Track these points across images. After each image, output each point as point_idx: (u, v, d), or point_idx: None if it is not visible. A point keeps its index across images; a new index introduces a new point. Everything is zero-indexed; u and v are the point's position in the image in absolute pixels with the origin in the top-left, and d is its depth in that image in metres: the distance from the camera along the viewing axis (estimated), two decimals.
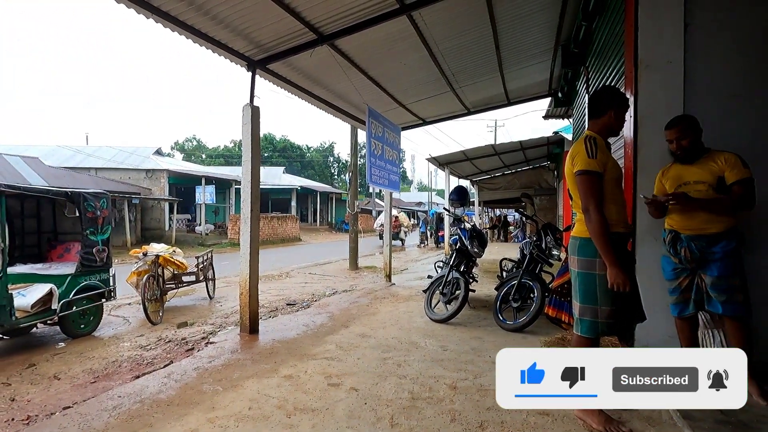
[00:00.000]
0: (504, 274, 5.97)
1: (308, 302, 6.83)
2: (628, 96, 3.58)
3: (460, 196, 6.04)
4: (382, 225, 18.92)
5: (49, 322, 4.97)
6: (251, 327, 4.80)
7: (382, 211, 26.39)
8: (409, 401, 2.94)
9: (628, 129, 3.64)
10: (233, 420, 2.72)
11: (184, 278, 6.99)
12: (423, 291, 5.81)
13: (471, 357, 3.84)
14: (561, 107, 9.25)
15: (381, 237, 18.10)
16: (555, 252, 4.96)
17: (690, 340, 3.05)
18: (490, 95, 8.34)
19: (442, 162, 13.60)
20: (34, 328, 5.26)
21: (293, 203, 30.95)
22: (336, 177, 58.59)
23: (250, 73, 4.99)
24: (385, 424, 2.62)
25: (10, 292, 4.37)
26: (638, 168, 3.52)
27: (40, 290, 4.78)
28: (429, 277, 6.25)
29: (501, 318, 4.77)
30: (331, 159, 60.76)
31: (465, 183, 18.61)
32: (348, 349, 4.17)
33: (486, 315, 5.35)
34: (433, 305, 5.34)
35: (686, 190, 2.81)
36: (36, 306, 4.66)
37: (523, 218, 6.93)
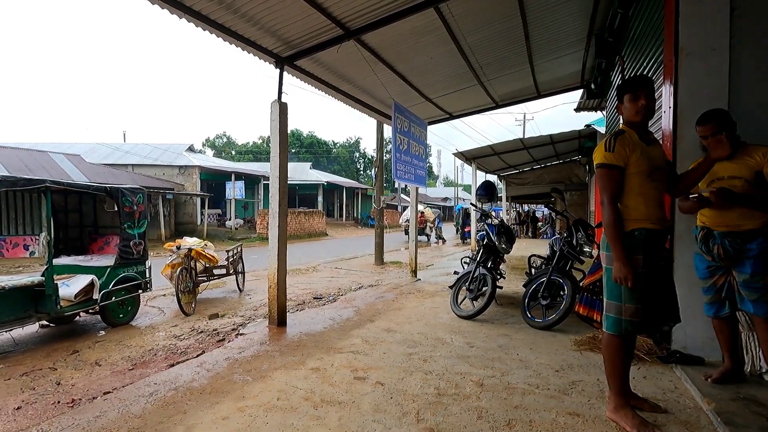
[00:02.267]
0: (533, 270, 5.83)
1: (334, 296, 6.90)
2: (668, 86, 3.42)
3: (487, 192, 5.93)
4: (407, 220, 18.89)
5: (90, 311, 5.23)
6: (279, 320, 4.89)
7: (407, 207, 26.35)
8: (435, 397, 2.93)
9: (666, 121, 3.48)
10: (262, 410, 2.78)
11: (215, 271, 7.19)
12: (449, 287, 5.77)
13: (498, 354, 3.79)
14: (594, 99, 8.94)
15: (406, 232, 18.09)
16: (586, 249, 4.81)
17: (729, 342, 2.91)
18: (519, 88, 8.14)
19: (469, 157, 13.41)
20: (77, 317, 5.55)
21: (320, 198, 31.32)
22: (362, 172, 58.82)
23: (278, 70, 5.06)
24: (410, 419, 2.62)
25: (55, 282, 4.62)
26: (678, 161, 3.36)
27: (82, 281, 5.03)
28: (455, 273, 6.19)
29: (529, 315, 4.67)
30: (357, 155, 61.02)
31: (492, 178, 18.29)
32: (374, 343, 4.19)
33: (514, 312, 5.26)
34: (459, 301, 5.29)
35: (719, 186, 2.67)
36: (79, 296, 4.91)
37: (553, 214, 6.74)
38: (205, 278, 6.95)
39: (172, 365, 3.78)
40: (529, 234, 22.42)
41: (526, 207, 29.82)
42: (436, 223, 20.46)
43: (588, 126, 11.77)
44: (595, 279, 4.27)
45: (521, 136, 21.27)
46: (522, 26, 5.47)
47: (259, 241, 19.28)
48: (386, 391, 3.04)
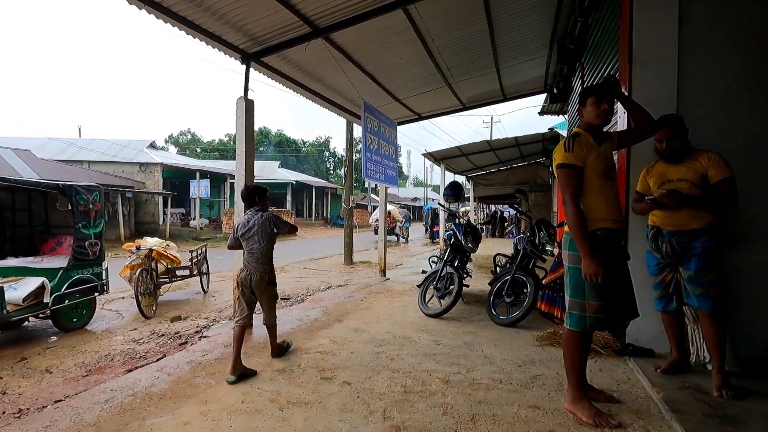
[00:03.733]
0: (498, 269, 5.99)
1: (302, 297, 6.83)
2: (623, 91, 3.59)
3: (454, 192, 6.03)
4: (377, 220, 18.93)
5: (41, 315, 4.94)
6: None
7: (377, 206, 26.42)
8: (401, 395, 2.96)
9: (621, 125, 3.66)
10: (226, 413, 2.72)
11: (178, 272, 6.96)
12: (417, 286, 5.83)
13: (464, 351, 3.86)
14: (556, 103, 9.27)
15: (376, 232, 18.13)
16: (548, 248, 4.98)
17: (676, 334, 3.10)
18: (486, 91, 8.33)
19: (438, 158, 13.59)
20: (26, 322, 5.23)
21: (289, 198, 30.87)
22: (331, 172, 58.41)
23: (244, 66, 4.96)
24: (377, 417, 2.63)
25: (1, 285, 4.34)
26: (631, 164, 3.54)
27: (32, 284, 4.74)
28: (423, 272, 6.26)
29: (494, 313, 4.79)
30: (327, 154, 60.53)
31: (461, 179, 18.61)
32: (341, 343, 4.18)
33: (479, 310, 5.38)
34: (427, 300, 5.36)
35: (669, 188, 2.85)
36: (28, 299, 4.62)
37: (518, 214, 6.93)
38: (167, 279, 6.71)
39: (131, 370, 3.63)
40: (496, 234, 22.98)
41: (493, 207, 30.53)
42: (404, 223, 20.61)
43: (551, 129, 12.19)
44: (556, 277, 4.43)
45: (488, 138, 21.74)
46: (488, 30, 5.60)
47: (224, 241, 18.76)
48: (353, 391, 3.04)
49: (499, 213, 27.35)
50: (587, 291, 2.49)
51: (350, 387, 3.10)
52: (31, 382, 3.57)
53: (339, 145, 60.49)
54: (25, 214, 5.96)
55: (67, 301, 5.00)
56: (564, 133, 10.84)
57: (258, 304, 3.68)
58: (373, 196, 35.85)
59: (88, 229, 5.36)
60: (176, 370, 3.51)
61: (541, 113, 10.67)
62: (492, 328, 4.59)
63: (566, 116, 9.86)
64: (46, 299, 4.78)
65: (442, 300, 5.26)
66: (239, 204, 4.79)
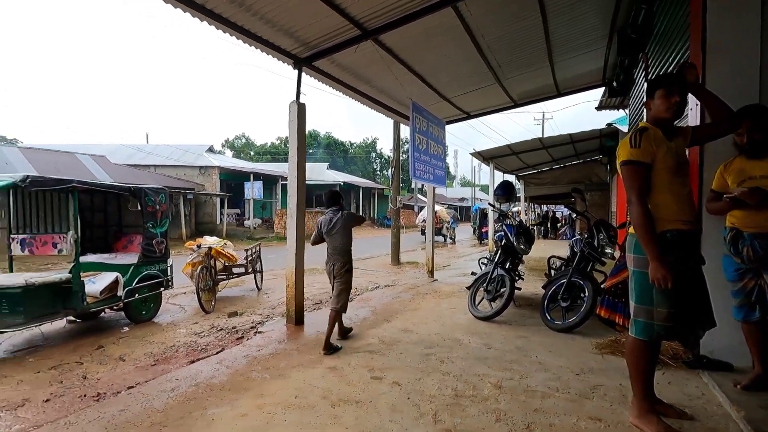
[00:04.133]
0: (552, 272, 5.74)
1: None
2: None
3: (505, 192, 5.86)
4: (424, 221, 18.83)
5: (115, 307, 5.38)
6: (297, 318, 4.94)
7: (424, 207, 26.27)
8: (452, 398, 2.91)
9: (694, 119, 3.38)
10: (280, 407, 2.81)
11: (235, 270, 7.30)
12: (466, 288, 5.72)
13: (516, 356, 3.74)
14: (615, 97, 8.73)
15: (423, 232, 18.04)
16: (608, 250, 4.71)
17: (759, 347, 2.80)
18: (539, 86, 8.02)
19: (487, 157, 13.28)
20: (103, 313, 5.71)
21: None
22: (378, 172, 58.87)
23: (296, 71, 5.11)
24: (428, 420, 2.61)
25: (82, 279, 4.77)
26: (705, 160, 3.26)
27: (107, 278, 5.18)
28: (473, 273, 6.14)
29: (549, 317, 4.60)
30: (374, 155, 61.09)
31: (510, 178, 18.07)
32: (390, 343, 4.19)
33: (532, 314, 5.18)
34: (477, 302, 5.25)
35: (750, 186, 2.58)
36: (104, 292, 5.06)
37: (573, 214, 6.60)
38: (224, 276, 7.07)
39: (193, 362, 3.85)
40: (549, 235, 22.08)
41: (544, 207, 29.38)
42: (451, 223, 20.32)
43: (609, 125, 11.52)
44: (618, 281, 4.17)
45: (540, 136, 20.93)
46: (542, 24, 5.39)
47: (276, 241, 19.50)
48: (403, 392, 3.03)
49: (551, 213, 26.25)
50: (655, 297, 2.32)
51: (400, 388, 3.09)
52: (107, 368, 3.88)
53: (386, 146, 60.86)
54: (101, 214, 6.52)
55: (137, 295, 5.40)
56: (624, 128, 10.21)
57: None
58: (419, 196, 35.74)
59: (155, 229, 5.77)
60: (234, 364, 3.68)
61: (599, 108, 10.12)
62: (546, 334, 4.41)
63: (627, 110, 9.27)
64: (120, 292, 5.20)
65: (492, 303, 5.12)
66: (291, 204, 4.95)
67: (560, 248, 11.03)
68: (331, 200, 4.34)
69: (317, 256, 13.33)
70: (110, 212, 6.58)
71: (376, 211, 37.06)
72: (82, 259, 5.00)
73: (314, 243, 4.39)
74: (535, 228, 20.49)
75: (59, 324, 5.28)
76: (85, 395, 3.24)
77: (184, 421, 2.64)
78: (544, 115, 31.60)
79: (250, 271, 7.57)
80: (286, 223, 5.10)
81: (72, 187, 4.75)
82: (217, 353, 4.06)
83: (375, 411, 2.74)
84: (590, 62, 7.35)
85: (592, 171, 15.95)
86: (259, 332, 4.77)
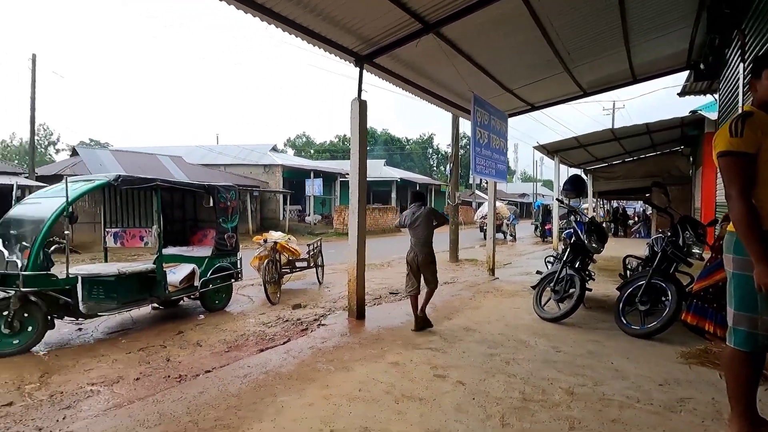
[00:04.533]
0: (628, 272, 5.32)
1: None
2: None
3: (575, 187, 5.51)
4: (482, 217, 18.34)
5: (192, 296, 5.80)
6: (358, 312, 5.02)
7: (482, 203, 25.58)
8: (520, 402, 2.80)
9: None
10: (345, 399, 2.86)
11: (298, 264, 7.59)
12: (531, 287, 5.49)
13: (589, 361, 3.51)
14: (702, 81, 7.92)
15: (481, 229, 17.57)
16: (695, 250, 4.27)
17: None
18: (611, 73, 7.45)
19: (552, 150, 12.65)
20: (181, 301, 6.18)
21: (393, 195, 31.64)
22: (435, 168, 58.38)
23: (357, 69, 5.16)
24: (495, 423, 2.52)
25: (164, 270, 5.19)
26: None
27: (185, 269, 5.60)
28: (538, 272, 5.87)
29: (625, 321, 4.27)
30: (431, 151, 60.66)
31: (577, 172, 17.06)
32: (452, 341, 4.12)
33: (605, 317, 4.85)
34: (543, 303, 5.01)
35: None
36: (183, 282, 5.48)
37: (647, 211, 6.05)
38: (288, 270, 7.36)
39: (262, 350, 4.05)
40: (619, 232, 20.58)
41: (614, 203, 27.43)
42: (511, 220, 19.61)
43: (694, 112, 10.47)
44: (708, 284, 3.77)
45: (610, 127, 19.44)
46: (617, 5, 4.99)
47: (335, 236, 20.00)
48: (468, 392, 2.96)
49: (621, 209, 24.43)
50: (760, 303, 2.05)
51: (464, 387, 3.03)
52: (186, 352, 4.19)
53: (443, 142, 60.18)
54: (180, 210, 7.06)
55: (211, 286, 5.79)
56: (712, 116, 9.22)
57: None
58: (478, 192, 34.91)
59: (226, 224, 6.14)
60: (300, 354, 3.81)
61: (682, 94, 9.21)
62: (622, 338, 4.10)
63: (716, 95, 8.35)
64: (196, 283, 5.60)
65: (560, 304, 4.86)
66: (353, 201, 5.03)
67: (633, 247, 10.23)
68: (415, 197, 4.94)
69: (376, 251, 13.48)
70: (187, 208, 7.11)
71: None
72: (164, 251, 5.45)
73: (397, 227, 5.31)
74: (606, 225, 19.19)
75: (145, 310, 5.79)
76: (168, 376, 3.52)
77: (257, 407, 2.77)
78: (614, 104, 29.48)
79: (312, 265, 7.83)
80: (344, 219, 5.19)
81: (156, 185, 5.18)
82: (284, 343, 4.23)
83: (439, 409, 2.70)
84: (673, 44, 6.70)
85: (672, 163, 14.63)
86: (323, 325, 4.91)
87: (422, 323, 4.53)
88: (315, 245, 8.07)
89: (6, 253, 4.16)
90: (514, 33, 5.39)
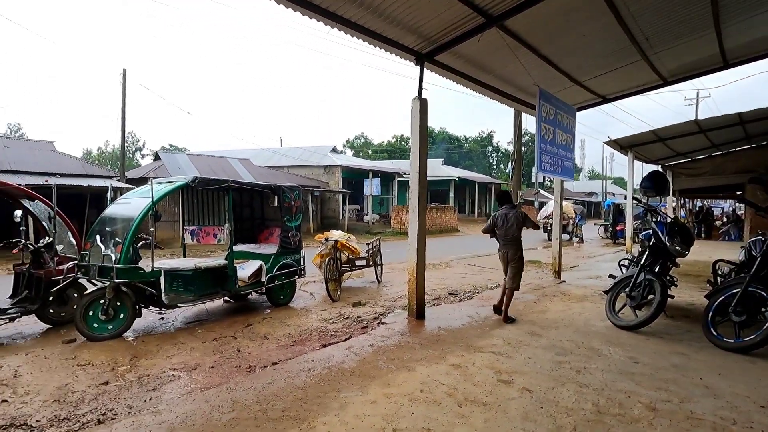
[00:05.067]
0: (719, 279, 4.79)
1: (470, 293, 6.76)
2: None
3: (655, 184, 5.05)
4: (546, 217, 17.48)
5: (259, 291, 6.11)
6: (418, 312, 4.99)
7: (546, 202, 24.40)
8: (594, 414, 2.61)
9: None
10: (407, 399, 2.85)
11: (357, 262, 7.71)
12: (604, 292, 5.12)
13: (673, 375, 3.20)
14: None
15: (545, 230, 16.76)
16: None
17: None
18: (698, 58, 6.73)
19: (625, 145, 11.72)
20: (250, 296, 6.53)
21: (451, 194, 31.20)
22: (494, 167, 56.75)
23: (418, 67, 5.13)
24: None
25: (235, 265, 5.51)
26: None
27: (253, 265, 5.91)
28: (611, 276, 5.47)
29: (715, 333, 3.85)
30: (490, 149, 59.03)
31: (653, 168, 15.70)
32: (516, 345, 3.96)
33: (690, 327, 4.42)
34: (617, 309, 4.66)
35: None
36: (251, 278, 5.78)
37: (736, 211, 5.37)
38: (348, 268, 7.51)
39: (325, 346, 4.16)
40: (702, 234, 18.63)
41: (698, 202, 24.90)
42: (577, 220, 18.48)
43: None
44: None
45: (693, 118, 17.62)
46: None
47: (393, 236, 20.11)
48: (535, 399, 2.82)
49: (706, 209, 22.09)
50: None
51: (531, 395, 2.89)
52: (255, 344, 4.42)
53: (503, 139, 58.36)
54: (248, 209, 7.46)
55: (276, 282, 6.06)
56: None
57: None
58: (541, 191, 33.43)
59: (290, 222, 6.39)
60: (361, 351, 3.86)
61: None
62: (712, 352, 3.70)
63: None
64: (263, 278, 5.88)
65: (637, 311, 4.49)
66: (413, 200, 5.00)
67: (722, 250, 9.23)
68: (504, 199, 5.17)
69: (434, 251, 13.32)
70: (255, 207, 7.50)
71: (492, 207, 35.75)
72: (234, 248, 5.78)
73: (485, 231, 5.30)
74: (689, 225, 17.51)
75: (218, 302, 6.19)
76: (239, 366, 3.73)
77: (321, 401, 2.84)
78: (698, 93, 26.76)
79: (371, 263, 7.92)
80: (402, 219, 5.18)
81: (228, 186, 5.52)
82: (345, 340, 4.31)
83: (505, 416, 2.60)
84: None
85: None
86: (383, 323, 4.94)
87: (505, 320, 4.90)
88: (374, 244, 8.15)
89: (102, 247, 4.64)
90: (584, 21, 5.06)
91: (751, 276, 3.78)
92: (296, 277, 6.50)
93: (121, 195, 7.72)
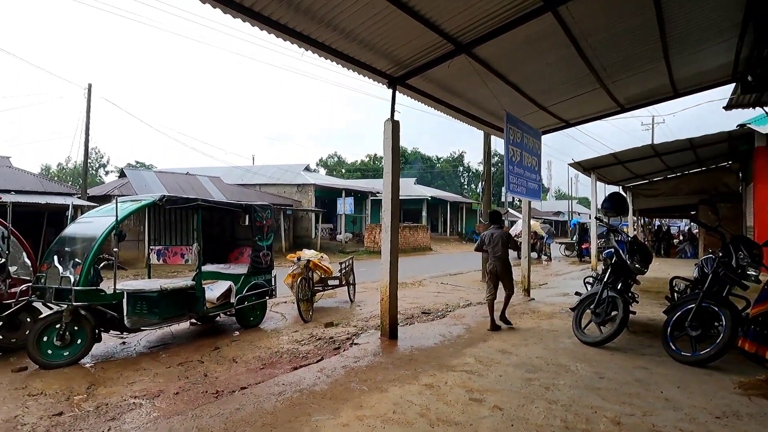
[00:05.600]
0: (675, 295, 5.04)
1: (443, 312, 6.80)
2: None
3: (615, 205, 5.32)
4: (516, 235, 17.93)
5: (228, 313, 5.94)
6: (391, 332, 4.98)
7: (516, 221, 25.04)
8: (562, 430, 2.67)
9: None
10: (380, 421, 2.82)
11: (330, 282, 7.63)
12: (570, 309, 5.28)
13: (636, 389, 3.32)
14: (751, 94, 7.53)
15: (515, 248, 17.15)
16: (751, 272, 4.00)
17: None
18: (651, 88, 7.23)
19: (588, 167, 12.31)
20: (218, 318, 6.34)
21: (424, 213, 31.54)
22: (465, 186, 57.95)
23: (390, 90, 5.26)
24: None
25: (204, 286, 5.36)
26: None
27: (222, 286, 5.75)
28: (577, 294, 5.65)
29: (674, 348, 4.02)
30: (461, 169, 60.36)
31: (615, 189, 16.48)
32: (488, 364, 4.00)
33: (651, 342, 4.60)
34: (583, 326, 4.80)
35: None
36: (220, 299, 5.62)
37: (694, 230, 5.72)
38: (320, 288, 7.42)
39: (296, 368, 4.07)
40: (661, 252, 19.55)
41: (657, 222, 26.19)
42: (545, 239, 19.03)
43: (742, 126, 9.96)
44: (767, 309, 3.54)
45: (649, 142, 18.73)
46: (656, 19, 4.87)
47: (366, 255, 20.06)
48: (506, 417, 2.86)
49: (665, 228, 23.24)
50: None
51: (502, 413, 2.92)
52: (223, 368, 4.27)
53: (473, 160, 59.81)
54: (218, 228, 7.31)
55: (246, 303, 5.91)
56: (763, 129, 8.75)
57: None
58: (511, 210, 34.31)
59: (262, 242, 6.29)
60: (333, 373, 3.81)
61: (728, 107, 8.79)
62: (671, 366, 3.86)
63: (767, 108, 7.93)
64: (232, 299, 5.73)
65: (602, 327, 4.65)
66: (385, 219, 5.05)
67: (679, 268, 9.71)
68: (494, 218, 5.82)
69: (407, 270, 13.35)
70: (225, 227, 7.35)
71: (463, 226, 36.35)
72: (202, 268, 5.62)
73: (476, 250, 6.21)
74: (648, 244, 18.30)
75: (184, 325, 5.97)
76: (206, 391, 3.59)
77: (292, 425, 2.77)
78: (654, 119, 28.49)
79: (344, 283, 7.86)
80: (375, 238, 5.22)
81: (197, 204, 5.41)
82: (317, 362, 4.24)
83: None
84: (716, 56, 6.44)
85: (719, 180, 13.91)
86: (355, 344, 4.89)
87: (498, 326, 5.43)
88: (347, 263, 8.11)
89: (61, 269, 4.42)
90: (547, 51, 5.36)
91: (704, 292, 4.00)
92: (267, 297, 6.37)
93: (82, 213, 7.42)
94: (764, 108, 8.26)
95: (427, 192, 33.31)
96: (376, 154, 54.70)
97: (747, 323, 3.72)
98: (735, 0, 4.94)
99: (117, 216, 4.57)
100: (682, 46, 5.71)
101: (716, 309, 3.88)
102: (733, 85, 7.78)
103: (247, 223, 6.23)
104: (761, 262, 4.07)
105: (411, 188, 33.28)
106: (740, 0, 4.95)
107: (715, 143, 10.71)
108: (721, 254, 4.16)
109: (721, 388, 3.33)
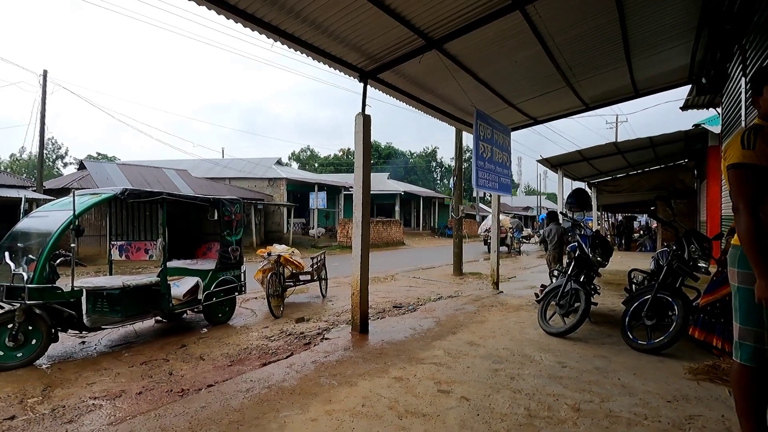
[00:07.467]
0: (633, 287, 5.28)
1: (414, 306, 6.87)
2: None
3: (578, 200, 5.53)
4: (487, 230, 18.30)
5: (195, 309, 5.80)
6: (362, 327, 4.99)
7: (486, 216, 25.54)
8: (525, 418, 2.76)
9: None
10: (348, 415, 2.83)
11: (301, 277, 7.57)
12: (536, 301, 5.45)
13: (595, 377, 3.47)
14: (705, 95, 7.95)
15: (485, 243, 17.50)
16: (701, 264, 4.24)
17: None
18: (614, 88, 7.51)
19: (555, 164, 12.67)
20: (185, 314, 6.17)
21: (397, 208, 31.70)
22: (438, 182, 58.54)
23: (362, 84, 5.23)
24: None
25: (169, 283, 5.20)
26: None
27: (189, 282, 5.60)
28: (542, 286, 5.83)
29: (631, 336, 4.22)
30: (434, 164, 60.91)
31: (581, 185, 17.05)
32: (456, 356, 4.08)
33: (611, 332, 4.80)
34: (548, 317, 4.97)
35: None
36: (186, 295, 5.47)
37: (652, 224, 6.03)
38: (292, 283, 7.35)
39: (265, 364, 4.02)
40: (622, 245, 20.43)
41: (619, 216, 27.28)
42: (515, 233, 19.53)
43: (697, 125, 10.50)
44: (715, 299, 3.76)
45: (613, 140, 19.45)
46: (618, 21, 5.05)
47: (339, 249, 19.99)
48: (472, 407, 2.92)
49: (626, 222, 24.25)
50: (766, 318, 2.04)
51: (469, 403, 2.99)
52: (189, 366, 4.17)
53: (446, 155, 60.42)
54: (184, 223, 7.08)
55: (214, 299, 5.78)
56: (715, 129, 9.24)
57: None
58: (482, 205, 34.93)
59: (230, 237, 6.16)
60: (303, 369, 3.79)
61: (684, 108, 9.25)
62: (628, 354, 4.05)
63: (719, 109, 8.38)
64: (200, 296, 5.59)
65: (565, 318, 4.82)
66: (356, 214, 5.04)
67: (638, 261, 10.16)
68: (552, 218, 7.42)
69: (380, 265, 13.46)
70: (192, 221, 7.13)
71: (436, 221, 36.76)
72: (168, 264, 5.46)
73: (541, 242, 7.65)
74: (610, 238, 19.03)
75: (149, 323, 5.79)
76: (171, 390, 3.50)
77: (259, 422, 2.75)
78: (617, 118, 29.59)
79: (315, 278, 7.81)
80: (348, 233, 5.20)
81: (162, 198, 5.23)
82: (287, 357, 4.20)
83: (443, 426, 2.67)
84: (674, 59, 6.76)
85: (676, 177, 14.62)
86: (326, 339, 4.88)
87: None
88: (318, 258, 8.07)
89: (12, 265, 4.19)
90: (516, 49, 5.46)
91: (659, 284, 4.22)
92: (236, 293, 6.26)
93: (37, 207, 7.04)
94: (716, 109, 8.72)
95: (400, 187, 33.46)
96: (349, 149, 54.40)
97: (697, 312, 3.95)
98: (691, 5, 5.19)
99: (75, 210, 4.36)
100: (643, 47, 5.94)
101: (670, 299, 4.10)
102: (689, 86, 8.19)
103: (215, 217, 6.08)
104: (711, 255, 4.31)
105: (384, 183, 33.35)
106: (696, 5, 5.20)
107: (673, 142, 11.25)
108: (675, 247, 4.38)
109: (673, 374, 3.52)
